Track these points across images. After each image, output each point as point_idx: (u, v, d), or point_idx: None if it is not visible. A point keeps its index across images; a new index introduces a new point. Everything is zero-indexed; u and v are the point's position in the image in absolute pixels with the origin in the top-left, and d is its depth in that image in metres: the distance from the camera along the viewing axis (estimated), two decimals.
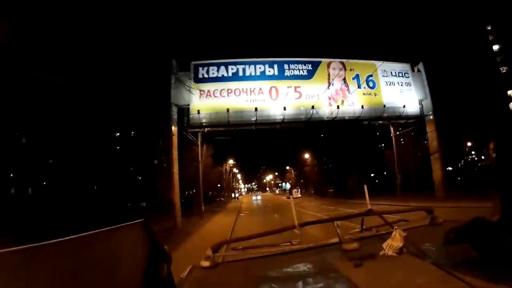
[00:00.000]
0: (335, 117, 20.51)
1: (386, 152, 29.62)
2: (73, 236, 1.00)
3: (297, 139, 46.04)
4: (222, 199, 56.43)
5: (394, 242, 1.76)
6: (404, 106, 21.68)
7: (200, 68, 19.72)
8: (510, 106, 48.14)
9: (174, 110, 18.63)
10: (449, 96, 33.21)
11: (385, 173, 35.80)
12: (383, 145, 39.20)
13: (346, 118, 21.34)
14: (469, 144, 45.07)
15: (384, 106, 21.32)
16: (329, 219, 2.45)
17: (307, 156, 59.04)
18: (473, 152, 47.12)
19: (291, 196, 52.89)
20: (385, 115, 22.21)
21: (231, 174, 71.02)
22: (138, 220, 1.37)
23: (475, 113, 34.63)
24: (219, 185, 54.48)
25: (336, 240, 2.19)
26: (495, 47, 50.87)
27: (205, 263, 2.02)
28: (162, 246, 1.44)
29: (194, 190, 30.13)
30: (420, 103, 22.83)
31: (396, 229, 1.86)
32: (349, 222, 2.67)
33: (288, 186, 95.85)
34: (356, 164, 39.41)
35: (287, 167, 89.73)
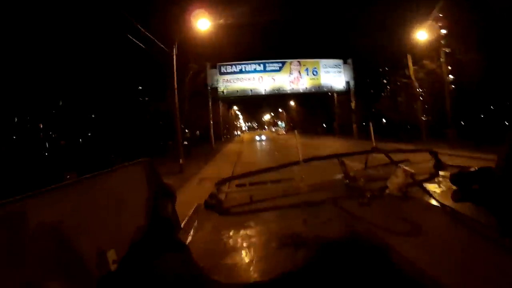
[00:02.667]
0: (293, 92, 39.12)
1: (334, 110, 47.58)
2: (72, 180, 1.02)
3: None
4: (229, 136, 75.74)
5: (399, 179, 1.74)
6: (331, 87, 39.66)
7: (222, 67, 37.28)
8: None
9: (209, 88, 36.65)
10: None
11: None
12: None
13: (300, 91, 39.67)
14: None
15: (319, 86, 39.34)
16: (334, 155, 2.32)
17: (292, 103, 77.45)
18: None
19: (279, 132, 74.02)
20: (324, 89, 40.30)
21: (234, 116, 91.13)
22: (141, 159, 1.36)
23: None
24: (227, 126, 73.48)
25: (340, 177, 2.19)
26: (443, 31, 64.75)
27: (210, 201, 2.01)
28: (166, 184, 1.43)
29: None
30: (348, 83, 40.34)
31: (399, 166, 1.85)
32: (352, 162, 2.54)
33: (283, 125, 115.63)
34: (323, 115, 58.43)
35: (280, 109, 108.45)
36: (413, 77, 25.66)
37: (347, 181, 2.10)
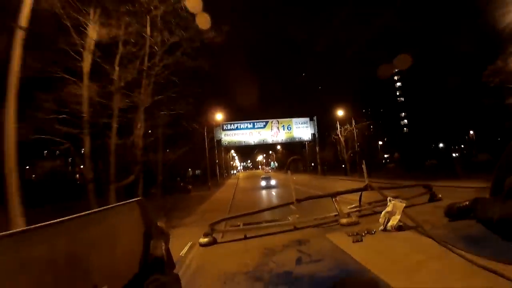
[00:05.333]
0: (273, 143, 56.15)
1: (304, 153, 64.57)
2: (68, 217, 1.00)
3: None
4: (227, 174, 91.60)
5: (392, 215, 1.74)
6: (301, 138, 56.41)
7: (224, 125, 53.78)
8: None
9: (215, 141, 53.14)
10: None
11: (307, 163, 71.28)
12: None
13: (279, 142, 56.62)
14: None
15: (292, 138, 56.10)
16: (328, 194, 2.32)
17: (278, 147, 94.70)
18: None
19: (265, 170, 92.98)
20: (296, 140, 57.09)
21: (231, 158, 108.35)
22: (134, 199, 1.39)
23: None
24: (225, 166, 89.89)
25: (334, 215, 2.20)
26: (398, 84, 77.29)
27: (204, 240, 2.02)
28: (158, 224, 1.44)
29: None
30: (313, 135, 56.98)
31: (392, 201, 1.83)
32: (349, 197, 2.62)
33: (274, 164, 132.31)
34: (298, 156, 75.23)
35: (270, 152, 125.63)
36: (340, 136, 42.48)
37: (341, 218, 2.09)
